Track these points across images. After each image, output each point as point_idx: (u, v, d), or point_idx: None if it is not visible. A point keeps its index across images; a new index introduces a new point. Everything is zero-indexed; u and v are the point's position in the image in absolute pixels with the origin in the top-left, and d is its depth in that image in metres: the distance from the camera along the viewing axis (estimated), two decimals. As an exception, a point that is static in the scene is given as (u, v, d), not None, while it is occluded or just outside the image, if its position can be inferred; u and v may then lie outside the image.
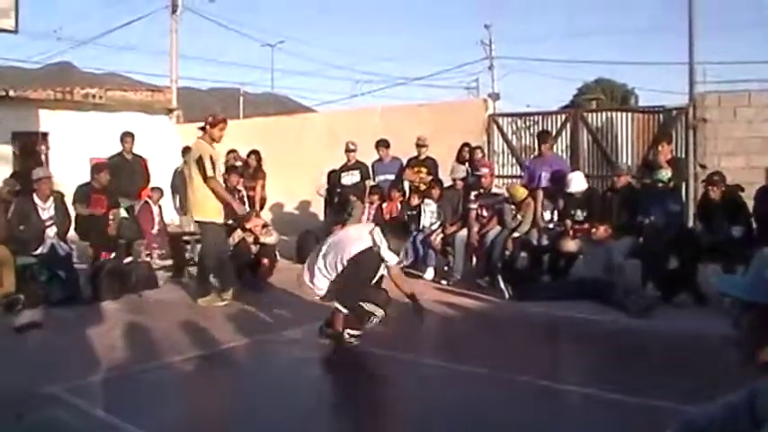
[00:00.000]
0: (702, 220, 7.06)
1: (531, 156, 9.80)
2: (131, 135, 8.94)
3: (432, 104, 13.01)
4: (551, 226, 7.58)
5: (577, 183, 7.52)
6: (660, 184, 6.96)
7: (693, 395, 2.52)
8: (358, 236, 5.01)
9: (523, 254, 7.71)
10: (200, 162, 6.59)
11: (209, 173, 6.56)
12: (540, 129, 10.48)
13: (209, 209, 6.68)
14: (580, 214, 7.34)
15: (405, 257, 8.40)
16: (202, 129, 6.82)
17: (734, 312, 1.50)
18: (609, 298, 6.41)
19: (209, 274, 6.95)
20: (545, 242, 7.44)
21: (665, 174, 6.97)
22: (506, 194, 8.10)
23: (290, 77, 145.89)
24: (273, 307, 6.54)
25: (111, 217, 7.75)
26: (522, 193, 7.86)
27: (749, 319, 1.46)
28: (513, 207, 7.82)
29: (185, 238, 8.86)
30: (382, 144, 9.48)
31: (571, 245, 7.16)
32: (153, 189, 9.51)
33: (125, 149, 8.86)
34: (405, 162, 9.36)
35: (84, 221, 7.69)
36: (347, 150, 9.54)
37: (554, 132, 10.81)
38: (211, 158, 6.63)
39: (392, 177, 9.36)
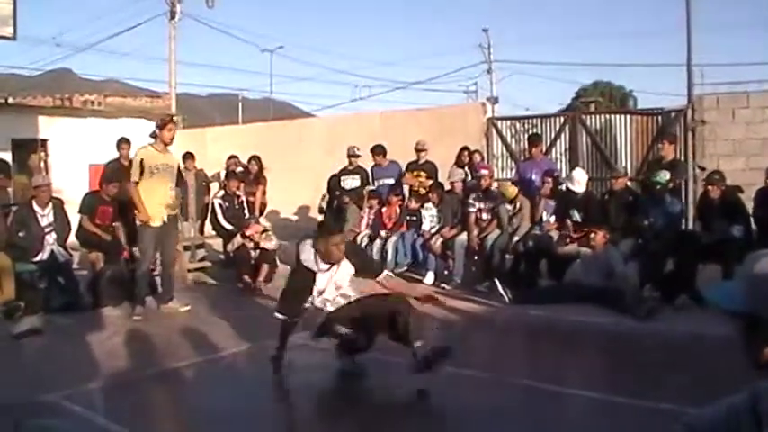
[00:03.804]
0: (701, 219, 7.05)
1: (523, 158, 9.84)
2: (128, 141, 8.93)
3: (431, 109, 13.02)
4: (548, 228, 7.56)
5: (579, 181, 7.54)
6: (659, 186, 6.96)
7: (696, 397, 2.51)
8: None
9: (509, 256, 7.66)
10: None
11: (134, 178, 6.56)
12: (531, 132, 10.47)
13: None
14: (577, 215, 7.33)
15: (404, 260, 8.42)
16: (153, 135, 6.79)
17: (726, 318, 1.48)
18: (616, 303, 6.31)
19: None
20: (521, 246, 7.41)
21: (664, 176, 6.98)
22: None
23: (290, 83, 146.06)
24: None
25: (112, 227, 7.73)
26: (512, 190, 7.88)
27: (739, 328, 1.44)
28: (509, 208, 7.83)
29: (185, 244, 8.85)
30: (378, 150, 9.47)
31: (568, 248, 7.14)
32: None
33: (122, 156, 8.87)
34: (404, 166, 9.37)
35: (86, 230, 7.67)
36: (351, 155, 9.54)
37: (553, 135, 10.82)
38: (142, 163, 6.56)
39: (391, 181, 9.36)
